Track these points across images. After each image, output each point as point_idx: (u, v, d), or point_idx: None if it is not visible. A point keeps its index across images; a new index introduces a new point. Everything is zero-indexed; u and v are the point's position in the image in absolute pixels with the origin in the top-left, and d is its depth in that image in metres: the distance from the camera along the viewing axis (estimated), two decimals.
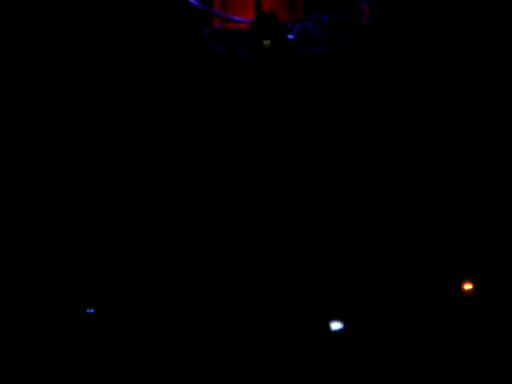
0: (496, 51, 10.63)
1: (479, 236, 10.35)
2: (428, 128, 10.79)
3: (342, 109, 10.75)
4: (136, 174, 10.79)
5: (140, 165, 10.86)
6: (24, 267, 9.81)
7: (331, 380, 9.25)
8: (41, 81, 10.39)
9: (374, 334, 9.62)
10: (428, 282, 10.07)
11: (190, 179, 10.88)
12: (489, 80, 10.69)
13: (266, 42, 9.83)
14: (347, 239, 10.45)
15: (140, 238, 10.41)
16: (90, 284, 9.86)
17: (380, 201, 10.60)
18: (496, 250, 10.24)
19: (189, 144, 10.98)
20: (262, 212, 10.55)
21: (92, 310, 9.38)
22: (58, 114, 10.50)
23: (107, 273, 10.02)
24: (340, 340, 9.42)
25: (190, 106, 10.91)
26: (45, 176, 10.39)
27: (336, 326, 9.41)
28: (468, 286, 9.98)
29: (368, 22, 10.15)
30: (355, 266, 10.22)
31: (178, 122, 10.95)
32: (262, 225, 10.57)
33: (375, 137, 10.77)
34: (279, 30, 9.89)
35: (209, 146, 10.96)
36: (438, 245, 10.37)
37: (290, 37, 10.04)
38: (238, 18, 10.12)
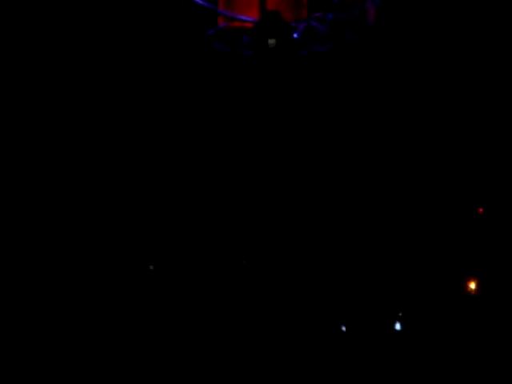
0: (500, 45, 10.59)
1: (482, 236, 10.35)
2: (433, 125, 10.77)
3: (347, 107, 10.73)
4: (142, 170, 10.80)
5: (145, 160, 10.87)
6: (31, 269, 9.83)
7: (334, 378, 9.26)
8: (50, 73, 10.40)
9: (376, 332, 9.63)
10: (431, 282, 10.08)
11: (194, 176, 10.89)
12: (492, 75, 10.66)
13: (271, 41, 9.82)
14: (350, 238, 10.45)
15: (149, 240, 10.43)
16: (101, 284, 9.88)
17: (384, 199, 10.60)
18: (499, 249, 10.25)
19: (192, 142, 10.98)
20: (266, 208, 10.55)
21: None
22: (61, 111, 10.52)
23: (119, 273, 10.05)
24: (344, 338, 9.43)
25: (194, 104, 10.91)
26: (52, 178, 10.41)
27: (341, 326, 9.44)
28: (471, 285, 9.98)
29: (374, 20, 10.14)
30: (359, 266, 10.23)
31: (183, 120, 10.94)
32: (263, 221, 10.57)
33: (380, 135, 10.75)
34: (284, 29, 9.89)
35: (212, 144, 10.96)
36: (441, 244, 10.38)
37: (295, 36, 10.04)
38: (242, 17, 10.13)
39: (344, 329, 9.17)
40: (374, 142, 10.72)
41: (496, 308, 9.81)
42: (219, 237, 10.47)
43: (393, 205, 10.55)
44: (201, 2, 10.06)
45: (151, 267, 10.25)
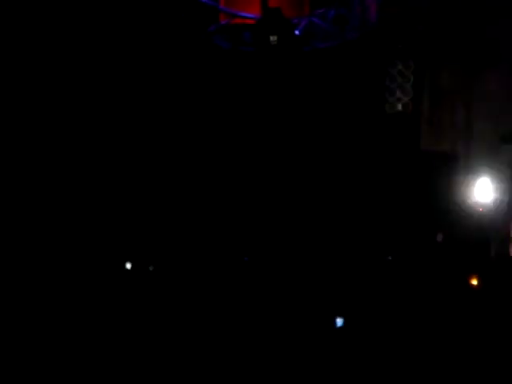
0: None
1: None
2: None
3: (348, 104, 10.71)
4: (141, 164, 10.78)
5: (144, 155, 10.85)
6: (31, 269, 9.78)
7: (336, 376, 9.21)
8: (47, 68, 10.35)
9: (377, 330, 9.59)
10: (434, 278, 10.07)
11: (193, 171, 10.87)
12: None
13: (273, 38, 9.79)
14: (350, 236, 10.44)
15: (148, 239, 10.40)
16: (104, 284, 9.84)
17: (385, 197, 10.60)
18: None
19: (193, 137, 10.95)
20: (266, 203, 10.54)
21: None
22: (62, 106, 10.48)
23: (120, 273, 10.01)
24: (344, 335, 9.40)
25: (195, 100, 10.88)
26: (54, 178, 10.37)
27: (339, 321, 9.39)
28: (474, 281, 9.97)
29: (375, 17, 10.13)
30: (359, 263, 10.22)
31: (184, 115, 10.92)
32: (264, 218, 10.56)
33: (381, 130, 10.74)
34: (286, 25, 9.86)
35: (213, 140, 10.94)
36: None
37: (297, 33, 10.01)
38: (244, 13, 10.10)
39: (340, 323, 9.11)
40: (375, 137, 10.71)
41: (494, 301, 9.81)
42: (219, 234, 10.45)
43: (393, 202, 10.56)
44: None
45: (151, 268, 10.21)
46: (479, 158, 10.49)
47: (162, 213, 10.73)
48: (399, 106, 10.70)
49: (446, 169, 10.55)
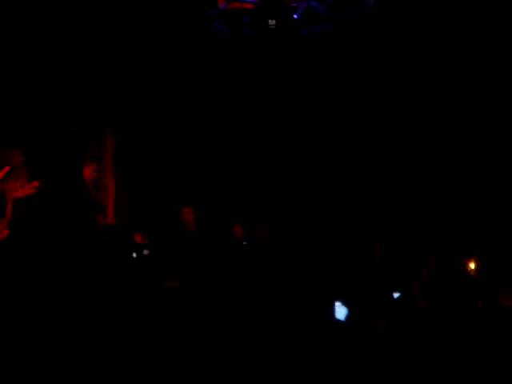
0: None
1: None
2: (433, 110, 10.77)
3: (347, 90, 10.73)
4: (140, 156, 10.81)
5: (143, 148, 10.89)
6: (31, 269, 9.79)
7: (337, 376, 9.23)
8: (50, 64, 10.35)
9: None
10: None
11: (192, 162, 10.90)
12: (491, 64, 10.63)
13: (271, 22, 9.78)
14: (351, 232, 10.46)
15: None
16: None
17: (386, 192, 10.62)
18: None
19: (191, 124, 10.97)
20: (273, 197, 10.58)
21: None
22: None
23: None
24: (345, 333, 9.41)
25: (193, 85, 10.90)
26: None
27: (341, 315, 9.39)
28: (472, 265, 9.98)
29: (373, 1, 10.10)
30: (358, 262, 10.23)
31: (182, 101, 10.94)
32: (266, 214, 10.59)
33: (381, 118, 10.76)
34: (284, 9, 9.84)
35: (212, 127, 10.96)
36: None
37: (295, 16, 9.99)
38: None
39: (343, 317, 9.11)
40: (375, 125, 10.73)
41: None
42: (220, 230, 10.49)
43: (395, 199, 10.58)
44: None
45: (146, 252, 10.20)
46: None
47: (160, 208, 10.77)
48: None
49: None
